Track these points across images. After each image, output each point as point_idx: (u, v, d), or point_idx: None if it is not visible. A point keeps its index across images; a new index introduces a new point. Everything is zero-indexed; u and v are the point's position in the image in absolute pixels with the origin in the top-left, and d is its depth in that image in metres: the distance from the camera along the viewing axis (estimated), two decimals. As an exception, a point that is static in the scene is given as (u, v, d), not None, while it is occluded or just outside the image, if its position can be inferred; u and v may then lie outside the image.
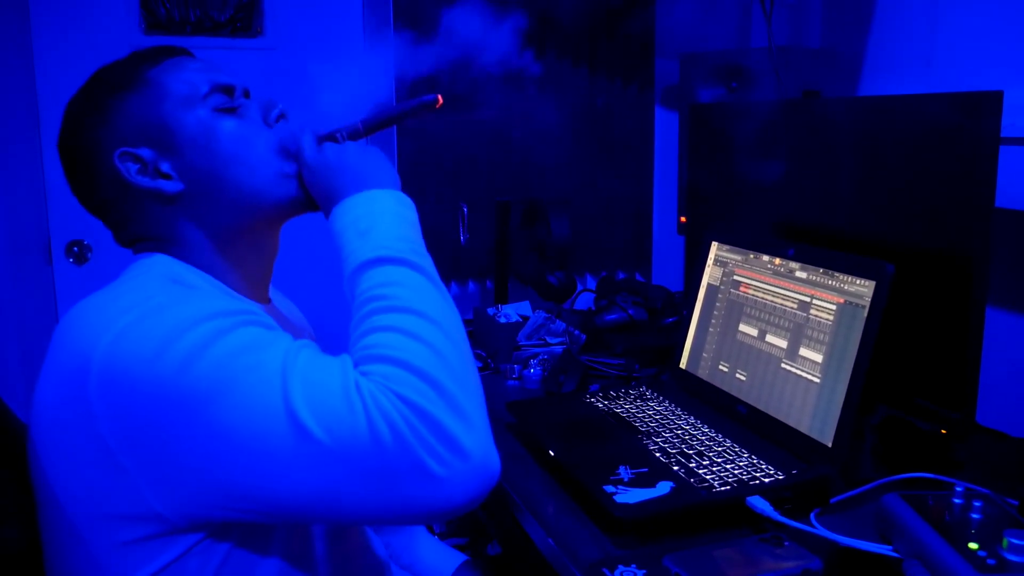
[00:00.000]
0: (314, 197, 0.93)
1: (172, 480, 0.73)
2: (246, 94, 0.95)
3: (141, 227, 0.91)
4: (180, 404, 0.71)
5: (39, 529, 0.84)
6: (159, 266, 0.89)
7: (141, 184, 0.88)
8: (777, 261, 1.26)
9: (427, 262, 0.84)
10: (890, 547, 0.88)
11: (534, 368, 1.57)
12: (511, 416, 1.32)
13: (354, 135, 0.98)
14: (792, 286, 1.21)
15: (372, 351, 0.76)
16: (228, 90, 0.92)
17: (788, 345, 1.19)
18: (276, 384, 0.72)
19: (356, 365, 0.76)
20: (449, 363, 0.76)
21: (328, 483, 0.72)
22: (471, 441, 0.73)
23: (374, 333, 0.77)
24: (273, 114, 0.94)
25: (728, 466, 1.08)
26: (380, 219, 0.86)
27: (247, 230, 0.93)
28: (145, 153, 0.87)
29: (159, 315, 0.75)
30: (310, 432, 0.71)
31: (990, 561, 0.76)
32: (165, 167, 0.88)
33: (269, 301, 1.01)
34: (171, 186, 0.88)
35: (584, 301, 2.04)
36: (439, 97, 0.98)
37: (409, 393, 0.72)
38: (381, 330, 0.77)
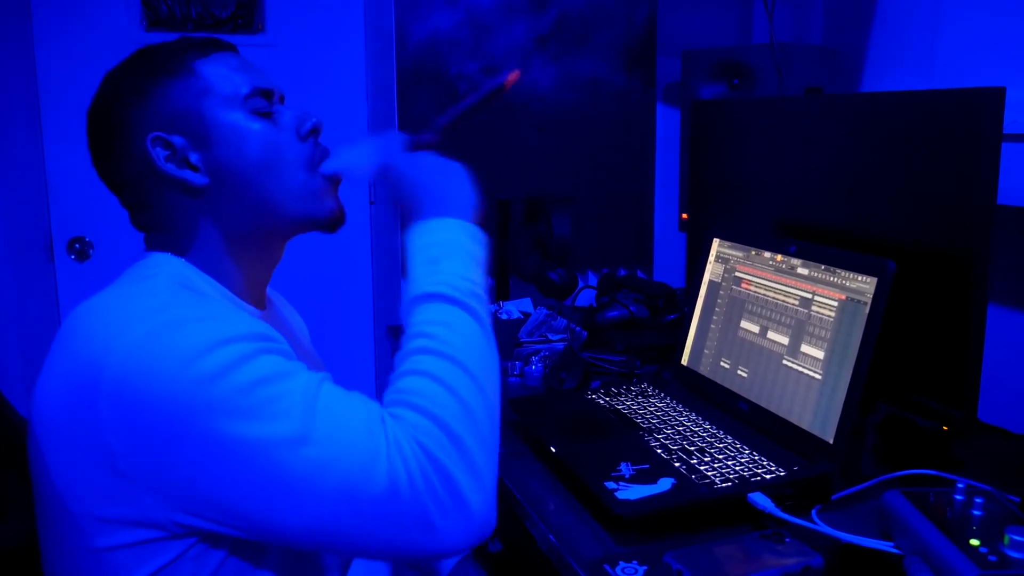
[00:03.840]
0: (394, 202, 0.95)
1: (176, 495, 0.74)
2: (281, 99, 0.95)
3: (156, 215, 0.91)
4: (195, 425, 0.72)
5: (37, 525, 0.85)
6: (167, 268, 0.89)
7: (167, 171, 0.88)
8: (779, 258, 1.26)
9: (483, 306, 0.86)
10: (891, 544, 0.88)
11: (535, 365, 1.57)
12: (513, 413, 1.31)
13: (431, 144, 1.00)
14: (793, 283, 1.21)
15: (406, 396, 0.78)
16: (267, 94, 0.92)
17: (789, 342, 1.19)
18: (296, 416, 0.73)
19: (387, 405, 0.78)
20: (475, 420, 0.78)
21: (330, 518, 0.73)
22: (477, 499, 0.75)
23: (413, 376, 0.79)
24: (306, 127, 0.94)
25: (729, 463, 1.08)
26: (451, 252, 0.88)
27: (260, 235, 0.94)
28: (177, 140, 0.88)
29: (179, 330, 0.75)
30: (325, 468, 0.72)
31: (991, 558, 0.76)
32: (194, 158, 0.88)
33: (266, 307, 1.01)
34: (196, 179, 0.88)
35: (585, 298, 2.04)
36: (508, 79, 0.99)
37: (431, 445, 0.74)
38: (420, 375, 0.79)
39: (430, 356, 0.80)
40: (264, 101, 0.92)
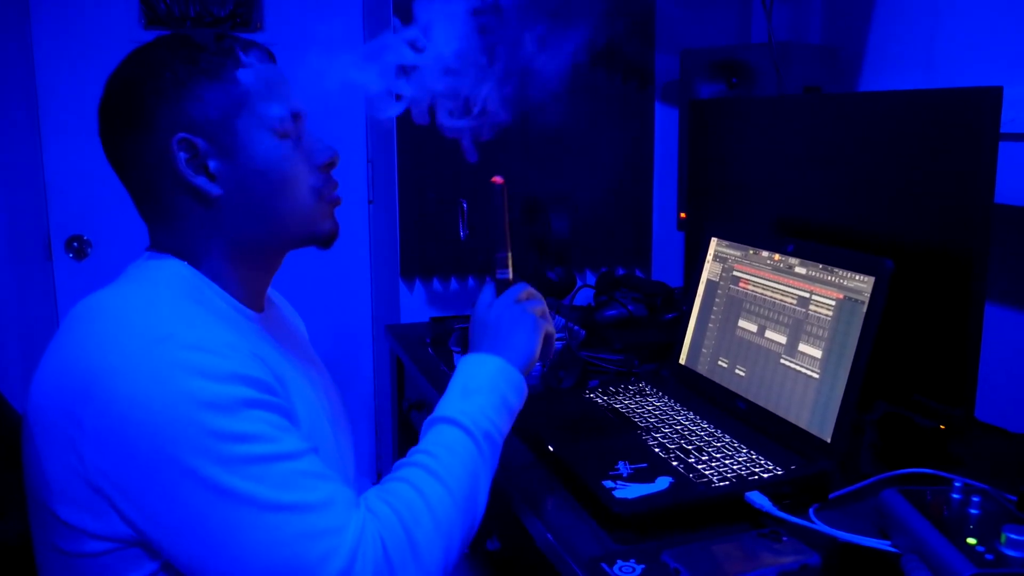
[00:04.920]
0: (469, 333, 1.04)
1: (135, 518, 0.74)
2: (304, 117, 0.96)
3: (162, 211, 0.90)
4: (170, 459, 0.72)
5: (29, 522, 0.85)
6: (172, 273, 0.89)
7: (184, 175, 0.86)
8: (776, 257, 1.26)
9: (493, 448, 0.92)
10: (889, 542, 0.88)
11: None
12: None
13: (504, 272, 1.08)
14: (791, 282, 1.21)
15: (386, 495, 0.82)
16: (297, 117, 0.92)
17: (787, 341, 1.19)
18: (271, 482, 0.74)
19: (369, 496, 0.82)
20: (442, 535, 0.82)
21: None
22: None
23: (401, 482, 0.84)
24: (323, 158, 0.95)
25: (727, 461, 1.08)
26: (486, 390, 0.94)
27: (260, 248, 0.94)
28: (200, 144, 0.86)
29: (177, 357, 0.75)
30: (286, 541, 0.73)
31: (988, 556, 0.76)
32: (212, 166, 0.87)
33: (264, 308, 1.01)
34: (211, 188, 0.87)
35: (584, 297, 2.04)
36: (496, 180, 1.09)
37: (391, 545, 0.78)
38: (407, 483, 0.84)
39: (423, 471, 0.85)
40: (293, 126, 0.92)
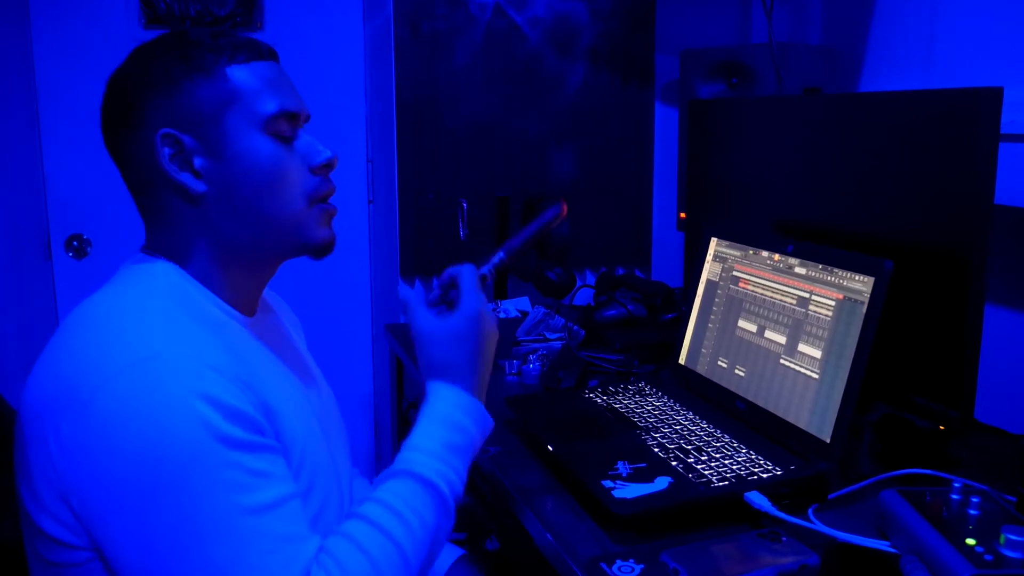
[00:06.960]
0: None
1: (93, 526, 0.74)
2: (306, 119, 0.93)
3: (152, 207, 0.90)
4: (132, 483, 0.72)
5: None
6: (164, 280, 0.88)
7: (168, 171, 0.85)
8: (776, 257, 1.26)
9: (452, 482, 0.87)
10: (888, 543, 0.88)
11: (533, 364, 1.57)
12: (510, 412, 1.32)
13: (501, 267, 1.04)
14: (791, 282, 1.21)
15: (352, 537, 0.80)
16: (293, 118, 0.90)
17: (787, 341, 1.19)
18: (241, 506, 0.74)
19: (331, 534, 0.81)
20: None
21: None
22: None
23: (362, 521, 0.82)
24: (319, 160, 0.92)
25: (726, 462, 1.08)
26: (439, 424, 0.90)
27: (250, 252, 0.92)
28: (187, 141, 0.85)
29: (160, 374, 0.75)
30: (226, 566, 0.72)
31: (987, 557, 0.76)
32: (198, 163, 0.86)
33: (256, 312, 0.99)
34: (195, 185, 0.86)
35: (583, 297, 2.04)
36: (564, 206, 1.06)
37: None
38: (393, 545, 0.81)
39: (393, 546, 0.82)
40: (287, 125, 0.89)
